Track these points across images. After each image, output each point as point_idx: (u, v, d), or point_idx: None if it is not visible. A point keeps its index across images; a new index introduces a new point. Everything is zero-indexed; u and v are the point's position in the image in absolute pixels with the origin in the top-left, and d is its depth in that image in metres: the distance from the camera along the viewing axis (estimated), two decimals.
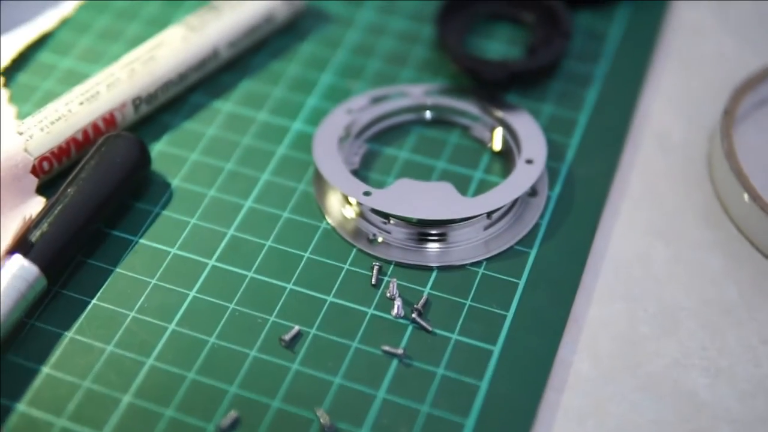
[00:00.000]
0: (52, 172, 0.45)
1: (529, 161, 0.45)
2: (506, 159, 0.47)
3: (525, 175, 0.45)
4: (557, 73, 0.50)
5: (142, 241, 0.44)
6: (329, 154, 0.46)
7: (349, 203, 0.45)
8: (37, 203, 0.43)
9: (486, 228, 0.44)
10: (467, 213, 0.43)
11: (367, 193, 0.44)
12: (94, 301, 0.42)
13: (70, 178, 0.43)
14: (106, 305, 0.41)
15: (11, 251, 0.40)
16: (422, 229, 0.44)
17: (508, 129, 0.47)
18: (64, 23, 0.52)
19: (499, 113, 0.48)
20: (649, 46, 0.52)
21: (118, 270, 0.43)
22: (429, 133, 0.48)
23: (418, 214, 0.43)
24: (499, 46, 0.52)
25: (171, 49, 0.48)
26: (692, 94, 0.50)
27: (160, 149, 0.47)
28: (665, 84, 0.51)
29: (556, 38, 0.50)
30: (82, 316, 0.41)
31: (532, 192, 0.46)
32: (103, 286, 0.42)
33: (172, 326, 0.41)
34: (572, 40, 0.51)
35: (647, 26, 0.53)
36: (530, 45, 0.51)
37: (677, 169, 0.47)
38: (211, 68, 0.50)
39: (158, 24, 0.52)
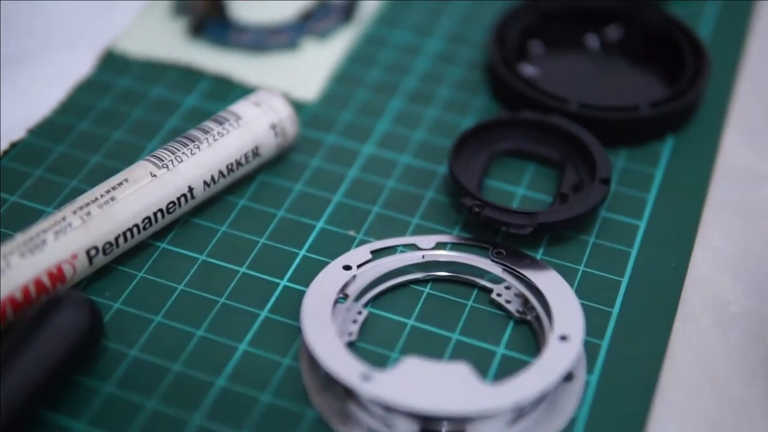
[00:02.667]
0: None
1: (563, 338, 0.37)
2: (534, 330, 0.39)
3: (559, 356, 0.37)
4: (592, 225, 0.43)
5: (86, 429, 0.35)
6: (321, 323, 0.38)
7: (344, 387, 0.37)
8: None
9: (511, 422, 0.36)
10: (489, 405, 0.35)
11: (366, 377, 0.36)
12: None
13: (2, 349, 0.35)
14: None
15: None
16: (433, 426, 0.36)
17: (536, 293, 0.40)
18: (13, 150, 0.45)
19: (526, 273, 0.40)
20: (699, 192, 0.44)
21: None
22: (442, 295, 0.40)
23: (428, 405, 0.35)
24: (523, 190, 0.44)
25: (136, 189, 0.40)
26: (752, 252, 0.43)
27: (117, 309, 0.39)
28: (720, 239, 0.43)
29: (592, 184, 0.43)
30: None
31: (568, 376, 0.38)
32: None
33: None
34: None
35: (696, 169, 0.45)
36: (560, 190, 0.43)
37: (739, 349, 0.39)
38: (184, 211, 0.42)
39: (123, 158, 0.45)
